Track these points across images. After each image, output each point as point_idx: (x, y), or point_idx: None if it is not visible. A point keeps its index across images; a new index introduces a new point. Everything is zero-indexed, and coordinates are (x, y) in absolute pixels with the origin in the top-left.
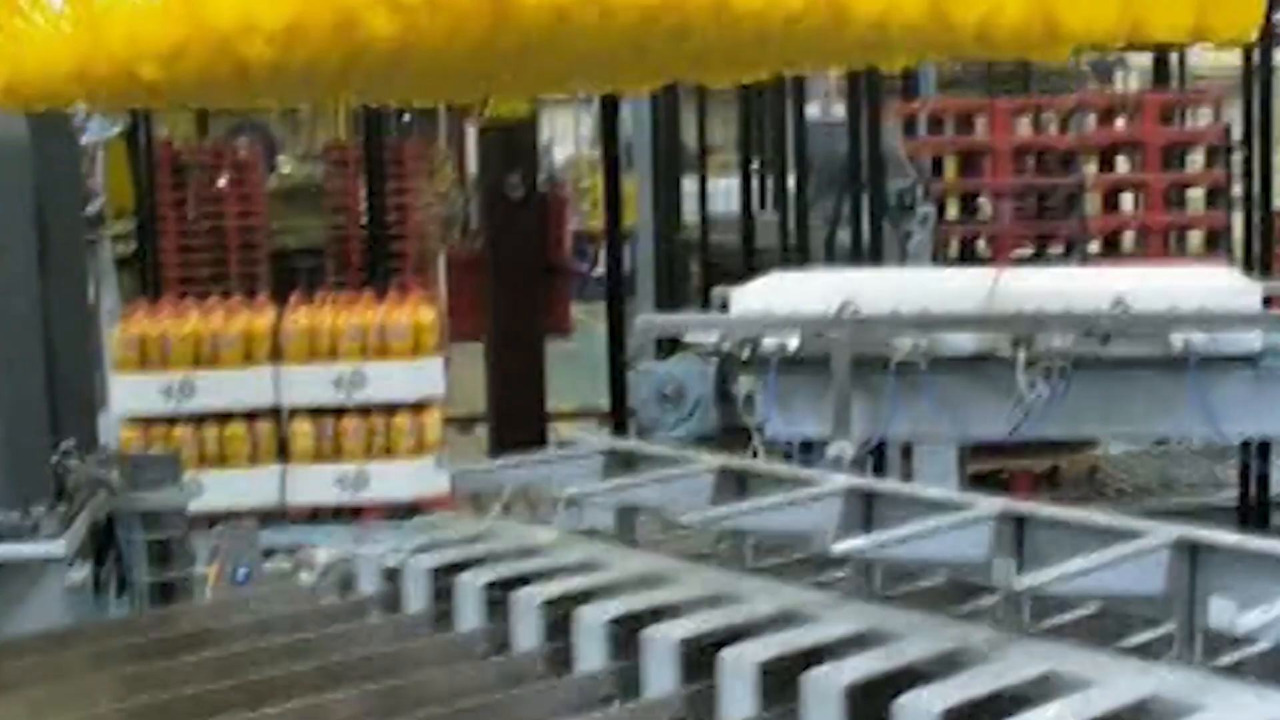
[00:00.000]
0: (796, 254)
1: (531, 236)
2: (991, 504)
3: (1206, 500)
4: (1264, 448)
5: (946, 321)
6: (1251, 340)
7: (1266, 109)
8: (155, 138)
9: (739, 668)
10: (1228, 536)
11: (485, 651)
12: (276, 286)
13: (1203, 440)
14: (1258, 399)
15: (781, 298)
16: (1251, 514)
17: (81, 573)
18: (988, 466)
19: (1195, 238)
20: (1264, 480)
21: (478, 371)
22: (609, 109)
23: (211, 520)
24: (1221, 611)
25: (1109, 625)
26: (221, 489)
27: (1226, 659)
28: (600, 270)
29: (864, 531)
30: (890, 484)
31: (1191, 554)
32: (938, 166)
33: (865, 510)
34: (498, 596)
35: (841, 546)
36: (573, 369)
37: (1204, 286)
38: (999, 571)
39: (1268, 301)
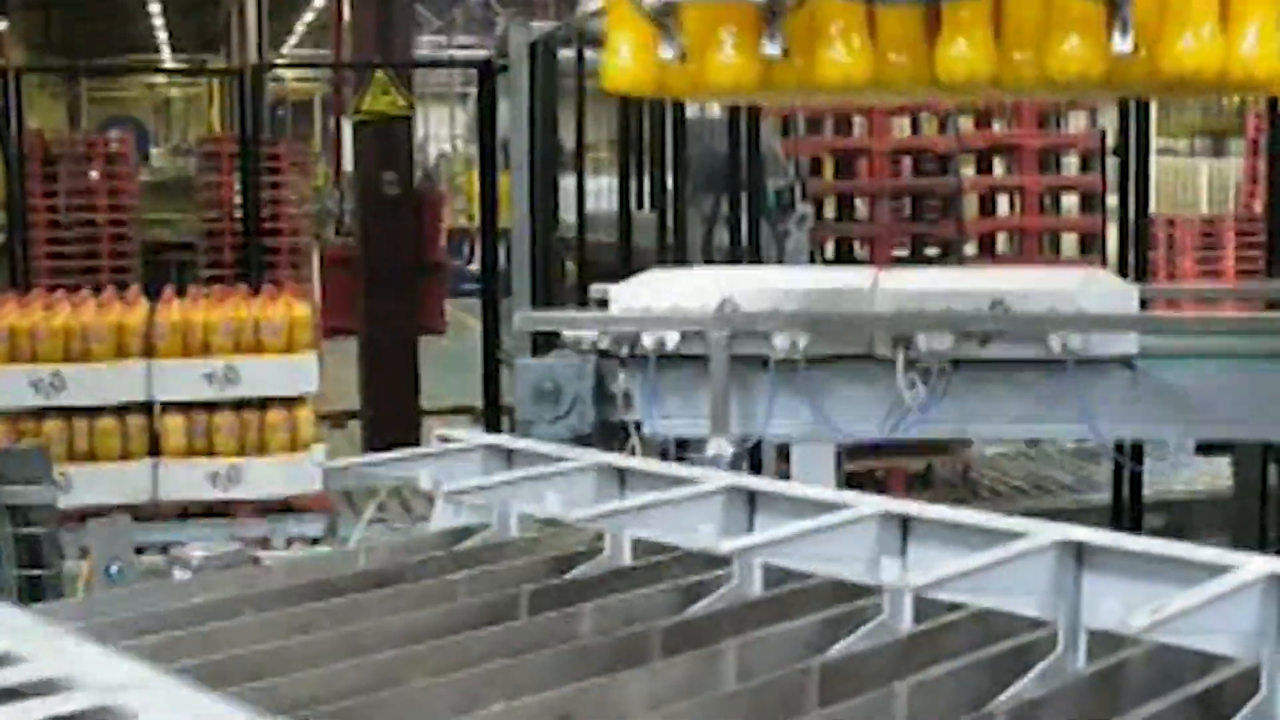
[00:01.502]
0: (674, 253)
1: (406, 233)
2: (875, 503)
3: (1079, 501)
4: (1137, 449)
5: (826, 321)
6: (1128, 342)
7: (1142, 115)
8: (26, 129)
9: None
10: (1113, 537)
11: None
12: (149, 281)
13: (1075, 442)
14: (1134, 401)
15: (660, 295)
16: (1124, 515)
17: None
18: (863, 466)
19: (1070, 242)
20: (1136, 481)
21: (352, 368)
22: (485, 106)
23: (82, 516)
24: (1109, 612)
25: (995, 625)
26: (92, 484)
27: (1110, 659)
28: (476, 268)
29: (748, 531)
30: (773, 483)
31: (1077, 554)
32: (816, 167)
33: (749, 509)
34: None
35: (731, 544)
36: (447, 367)
37: (1082, 289)
38: (886, 572)
39: (1144, 304)
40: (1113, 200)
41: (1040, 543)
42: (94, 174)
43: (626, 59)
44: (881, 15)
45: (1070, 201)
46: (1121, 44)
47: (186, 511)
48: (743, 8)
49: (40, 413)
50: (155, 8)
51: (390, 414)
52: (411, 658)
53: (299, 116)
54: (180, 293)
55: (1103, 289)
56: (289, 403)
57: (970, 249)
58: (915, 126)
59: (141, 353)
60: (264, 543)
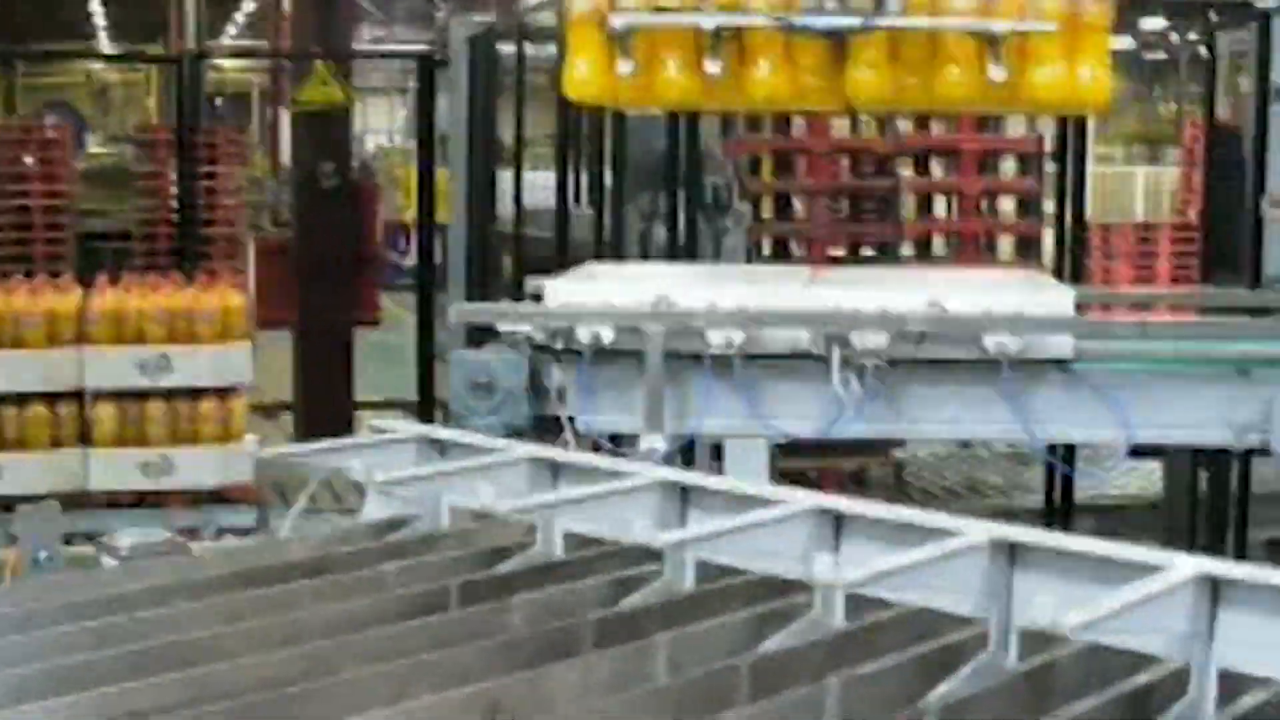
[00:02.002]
0: (610, 249)
1: (343, 225)
2: (808, 499)
3: (1012, 503)
4: (1069, 451)
5: (762, 317)
6: (1063, 344)
7: (1079, 121)
8: None
9: None
10: (1046, 536)
11: None
12: (84, 269)
13: (1008, 445)
14: (1069, 403)
15: (596, 290)
16: (1056, 517)
17: None
18: (796, 466)
19: (1006, 245)
20: (1068, 484)
21: (285, 359)
22: (424, 99)
23: (9, 504)
24: (1042, 610)
25: (927, 622)
26: (21, 473)
27: (1041, 659)
28: (412, 261)
29: (680, 525)
30: (706, 478)
31: (1009, 553)
32: (754, 165)
33: (681, 503)
34: None
35: (664, 538)
36: (382, 359)
37: (1018, 290)
38: (818, 568)
39: (1079, 308)
40: (1050, 205)
41: (973, 541)
42: (29, 160)
43: (586, 73)
44: (799, 45)
45: (1007, 205)
46: (995, 73)
47: (117, 501)
48: (688, 34)
49: None
50: None
51: (324, 406)
52: (342, 648)
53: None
54: (114, 281)
55: (1038, 290)
56: (222, 393)
57: (907, 250)
58: (855, 126)
59: (74, 340)
60: (194, 533)
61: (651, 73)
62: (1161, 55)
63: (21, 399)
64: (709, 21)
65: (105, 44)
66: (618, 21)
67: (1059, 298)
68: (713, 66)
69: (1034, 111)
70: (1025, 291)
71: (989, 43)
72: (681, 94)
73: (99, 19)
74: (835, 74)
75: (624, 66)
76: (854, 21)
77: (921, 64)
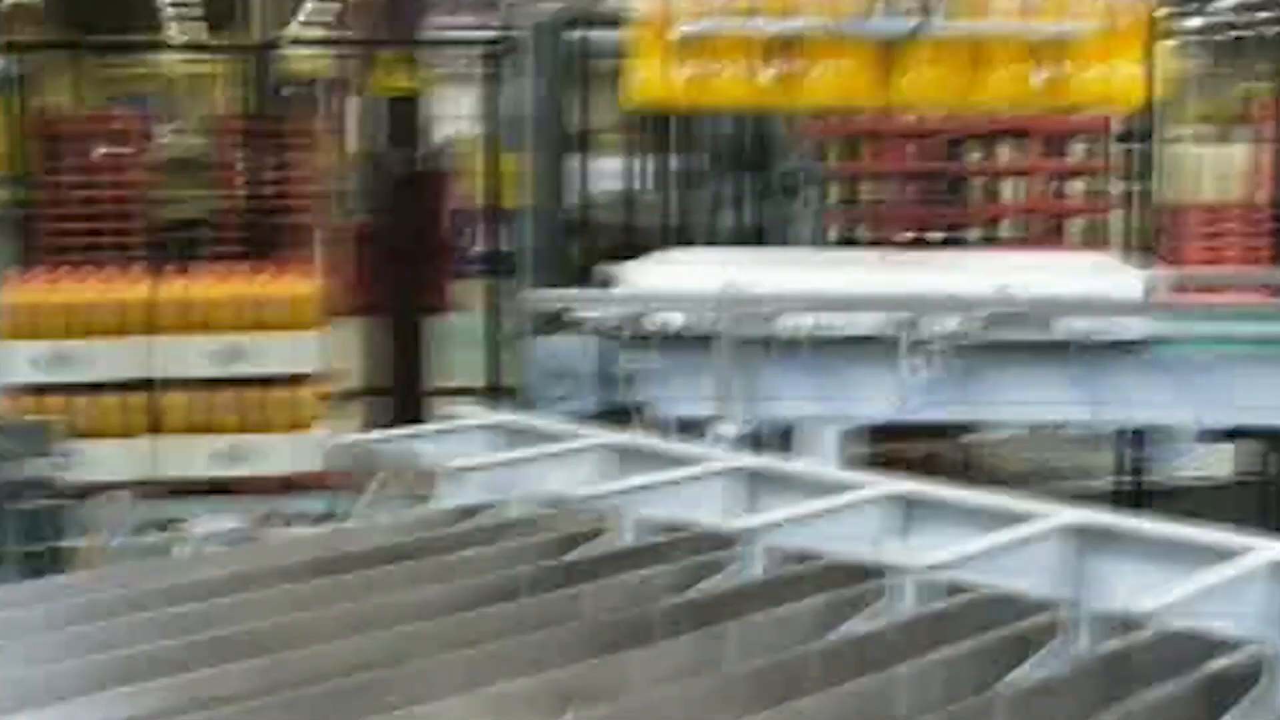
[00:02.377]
0: (678, 235)
1: (413, 212)
2: (881, 484)
3: (1082, 488)
4: (1139, 435)
5: (831, 302)
6: (1133, 327)
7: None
8: (31, 106)
9: None
10: (1119, 520)
11: None
12: (154, 258)
13: (1077, 428)
14: (1140, 386)
15: (668, 277)
16: (1126, 501)
17: None
18: (866, 452)
19: (1075, 227)
20: (1139, 467)
21: (357, 347)
22: (491, 88)
23: (84, 492)
24: (1116, 595)
25: (1000, 607)
26: (94, 461)
27: (1117, 643)
28: (481, 247)
29: (752, 511)
30: (778, 463)
31: (1083, 537)
32: (822, 150)
33: (753, 489)
34: None
35: (737, 524)
36: (452, 346)
37: (1087, 273)
38: (891, 553)
39: (1149, 290)
40: (1118, 186)
41: (1046, 526)
42: (101, 150)
43: (649, 77)
44: (850, 48)
45: (1075, 187)
46: (1038, 75)
47: (189, 489)
48: (750, 40)
49: (43, 388)
50: None
51: (395, 393)
52: (415, 635)
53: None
54: (185, 270)
55: (1109, 274)
56: (292, 380)
57: (975, 233)
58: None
59: (145, 329)
60: (266, 520)
61: (711, 76)
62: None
63: (94, 388)
64: (768, 28)
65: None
66: (682, 29)
67: (1129, 281)
68: (770, 71)
69: (1075, 110)
70: (1094, 275)
71: (1031, 46)
72: (740, 97)
73: (168, 9)
74: (885, 75)
75: (686, 71)
76: (903, 26)
77: (966, 66)
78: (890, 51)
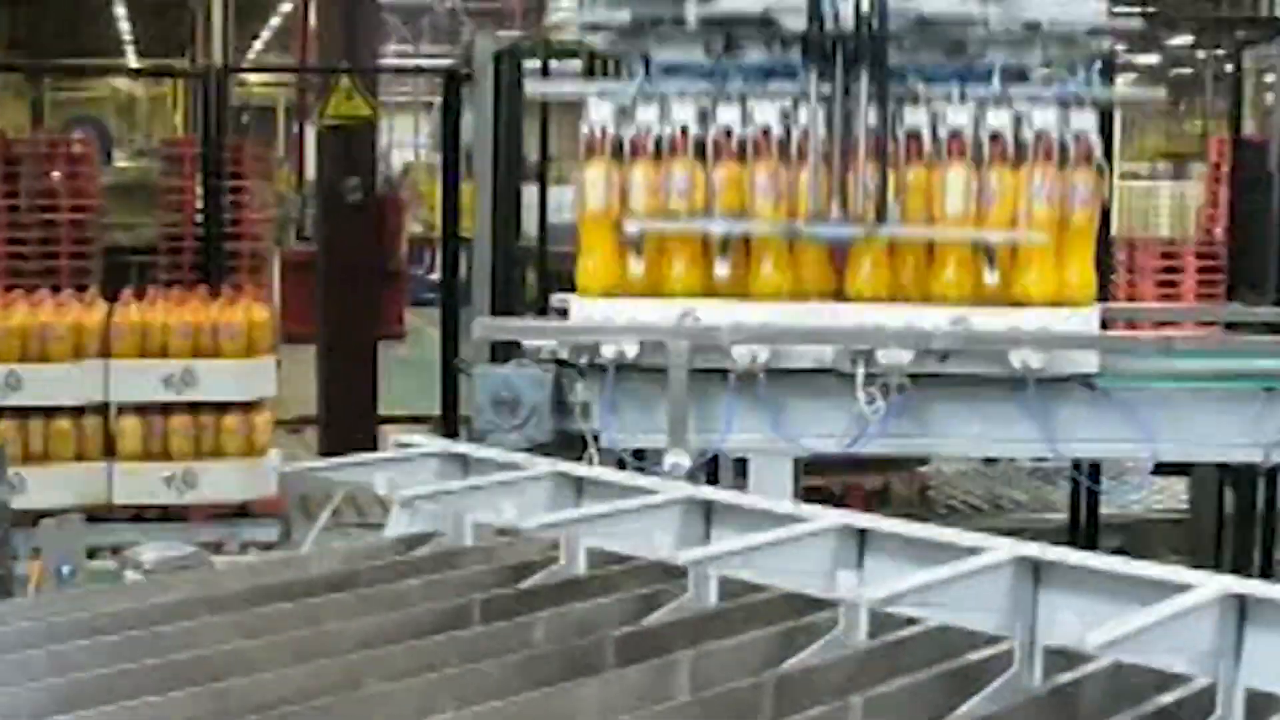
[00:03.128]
0: None
1: (367, 240)
2: (832, 517)
3: (1036, 520)
4: (1094, 469)
5: (786, 334)
6: (1089, 361)
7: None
8: None
9: None
10: (1071, 554)
11: None
12: (108, 283)
13: (1032, 462)
14: (1095, 420)
15: (621, 306)
16: (1081, 535)
17: None
18: (820, 483)
19: None
20: (1093, 502)
21: (309, 374)
22: (449, 115)
23: (35, 517)
24: (1067, 629)
25: (952, 640)
26: (46, 486)
27: (1067, 677)
28: (436, 275)
29: (704, 542)
30: (730, 494)
31: (1034, 571)
32: None
33: (705, 520)
34: None
35: (688, 555)
36: (405, 374)
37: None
38: (843, 585)
39: (1104, 325)
40: None
41: (998, 559)
42: (56, 174)
43: (598, 268)
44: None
45: None
46: (989, 277)
47: (140, 514)
48: (694, 240)
49: None
50: (121, 10)
51: (347, 420)
52: (365, 663)
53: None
54: (139, 295)
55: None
56: (246, 407)
57: None
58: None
59: (98, 354)
60: (218, 547)
61: (660, 269)
62: (1187, 71)
63: (47, 412)
64: (718, 227)
65: (132, 59)
66: (631, 227)
67: (1085, 315)
68: (721, 269)
69: (1024, 307)
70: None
71: (984, 250)
72: (689, 289)
73: (126, 34)
74: (836, 273)
75: (634, 265)
76: (856, 231)
77: (919, 264)
78: (842, 249)
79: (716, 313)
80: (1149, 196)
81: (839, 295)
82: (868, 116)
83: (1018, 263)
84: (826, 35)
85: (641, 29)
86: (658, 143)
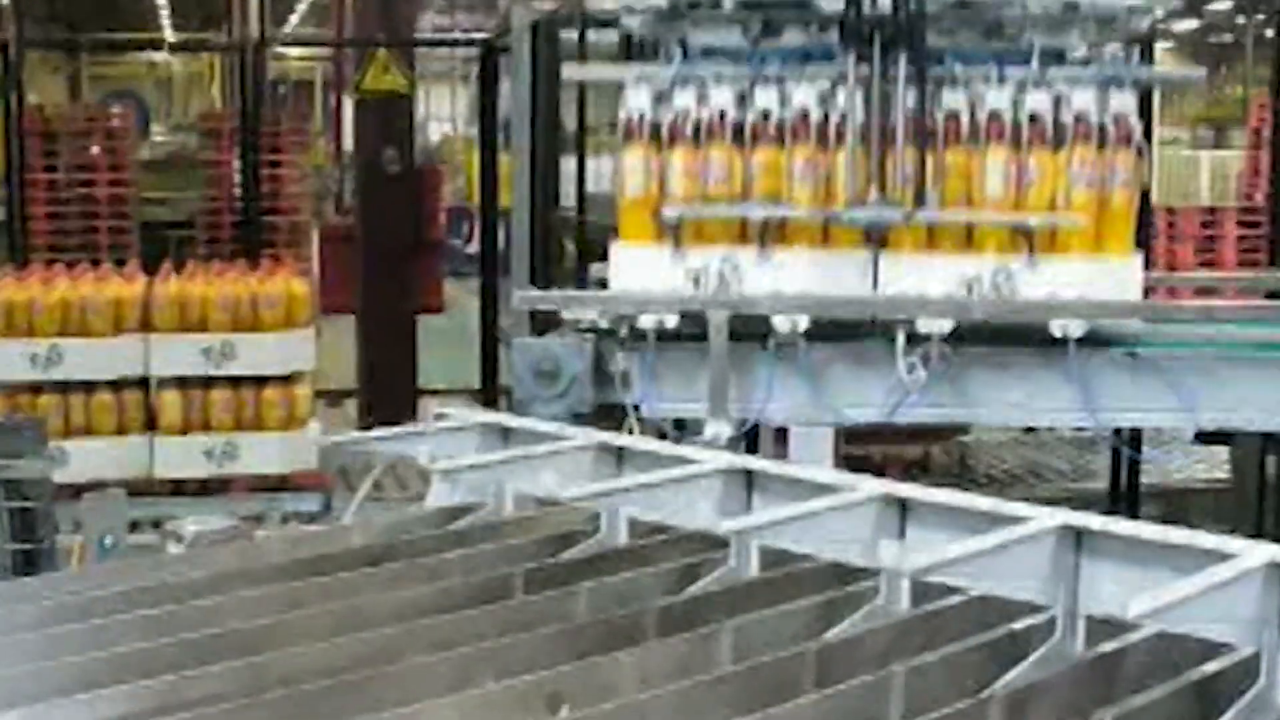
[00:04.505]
0: None
1: (405, 212)
2: (874, 486)
3: (1077, 489)
4: (1135, 436)
5: (826, 303)
6: (1130, 328)
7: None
8: (27, 103)
9: None
10: (1112, 523)
11: None
12: (147, 256)
13: (1073, 430)
14: (1135, 387)
15: (661, 276)
16: (1121, 503)
17: None
18: (860, 452)
19: None
20: (1134, 469)
21: (349, 346)
22: (486, 86)
23: (77, 490)
24: (1109, 598)
25: (993, 609)
26: (88, 459)
27: (1109, 646)
28: (475, 247)
29: (745, 512)
30: (771, 464)
31: (1076, 540)
32: None
33: (746, 490)
34: None
35: (731, 525)
36: (445, 346)
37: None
38: (884, 554)
39: (1146, 292)
40: None
41: (1040, 527)
42: (94, 149)
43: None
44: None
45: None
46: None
47: (181, 487)
48: (732, 225)
49: (37, 386)
50: None
51: (387, 392)
52: (405, 635)
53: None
54: (178, 268)
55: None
56: (286, 379)
57: None
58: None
59: (139, 327)
60: (259, 519)
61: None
62: (1228, 37)
63: (88, 386)
64: (756, 212)
65: (169, 33)
66: (669, 212)
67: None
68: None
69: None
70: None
71: (1023, 234)
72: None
73: (163, 8)
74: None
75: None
76: (895, 216)
77: (958, 249)
78: (879, 234)
79: (756, 280)
80: (1189, 163)
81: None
82: (906, 99)
83: (1057, 247)
84: (864, 17)
85: (679, 12)
86: (695, 127)
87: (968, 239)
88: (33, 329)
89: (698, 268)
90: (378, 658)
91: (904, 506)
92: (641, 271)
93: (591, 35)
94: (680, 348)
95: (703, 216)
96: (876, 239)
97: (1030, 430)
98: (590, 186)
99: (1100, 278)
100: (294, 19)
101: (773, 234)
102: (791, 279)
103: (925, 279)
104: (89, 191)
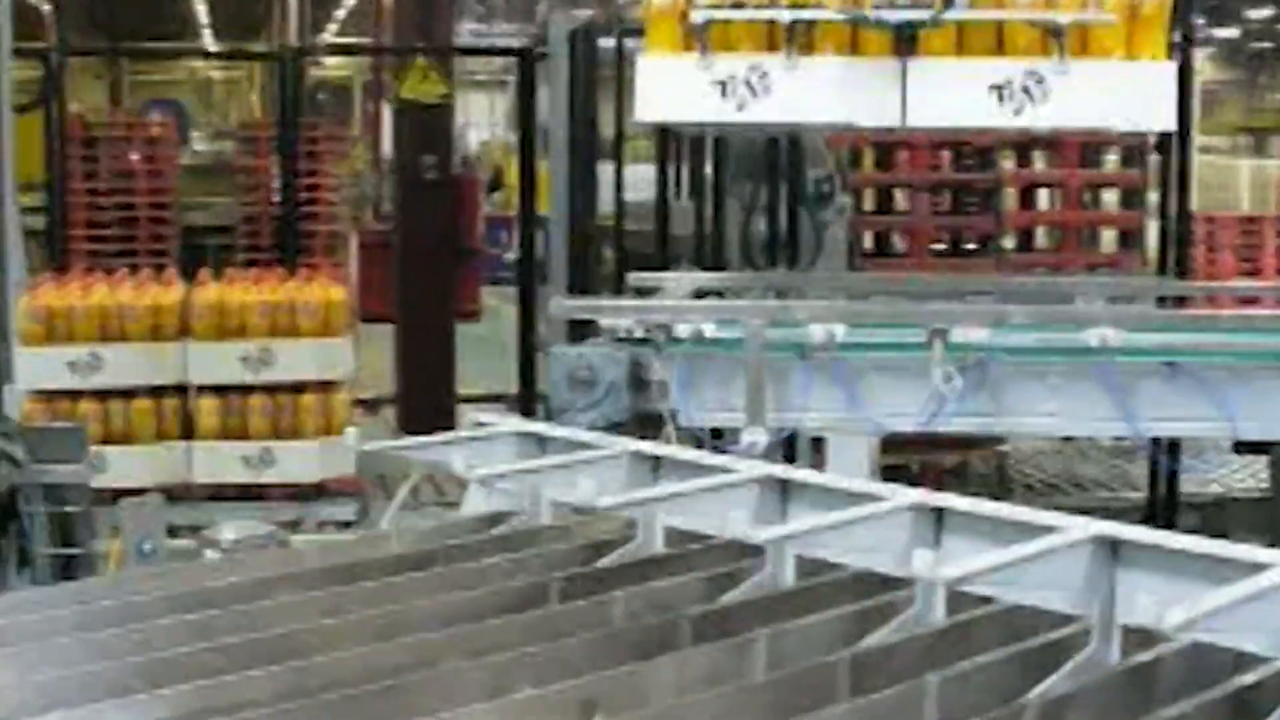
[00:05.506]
0: (712, 242)
1: (444, 219)
2: (909, 495)
3: (1114, 499)
4: (1173, 446)
5: (863, 312)
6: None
7: (1185, 111)
8: (67, 110)
9: None
10: (1148, 533)
11: None
12: (186, 263)
13: (1111, 439)
14: (1174, 397)
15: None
16: (1159, 513)
17: None
18: (897, 460)
19: (1109, 237)
20: (1172, 479)
21: (386, 353)
22: (525, 94)
23: (115, 496)
24: (1145, 608)
25: (1028, 619)
26: (126, 465)
27: (1144, 656)
28: (513, 255)
29: (781, 521)
30: (807, 473)
31: (1112, 550)
32: (856, 158)
33: (782, 498)
34: None
35: (766, 533)
36: (482, 353)
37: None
38: (919, 563)
39: (1183, 302)
40: (1153, 196)
41: (1075, 537)
42: (134, 156)
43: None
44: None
45: (1110, 197)
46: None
47: (219, 493)
48: (759, 30)
49: (76, 393)
50: None
51: (425, 399)
52: (443, 641)
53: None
54: (217, 275)
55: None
56: (323, 386)
57: (1009, 243)
58: None
59: (177, 334)
60: (295, 525)
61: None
62: (1268, 44)
63: (126, 393)
64: (784, 15)
65: (208, 41)
66: (697, 16)
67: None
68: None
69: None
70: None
71: (1053, 33)
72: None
73: (203, 17)
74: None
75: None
76: (925, 14)
77: (987, 52)
78: (909, 38)
79: (784, 75)
80: (1229, 171)
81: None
82: None
83: (1089, 49)
84: None
85: None
86: None
87: (998, 43)
88: (72, 335)
89: (725, 76)
90: (415, 664)
91: (939, 516)
92: (668, 83)
93: (630, 43)
94: (718, 356)
95: (731, 19)
96: (905, 44)
97: (1068, 439)
98: (629, 194)
99: (1132, 82)
100: (333, 27)
101: (800, 39)
102: (820, 88)
103: (953, 85)
104: (128, 199)
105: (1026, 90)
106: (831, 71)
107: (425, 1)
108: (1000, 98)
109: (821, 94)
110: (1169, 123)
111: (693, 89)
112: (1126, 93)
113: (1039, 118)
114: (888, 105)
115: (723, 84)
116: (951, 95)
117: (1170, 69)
